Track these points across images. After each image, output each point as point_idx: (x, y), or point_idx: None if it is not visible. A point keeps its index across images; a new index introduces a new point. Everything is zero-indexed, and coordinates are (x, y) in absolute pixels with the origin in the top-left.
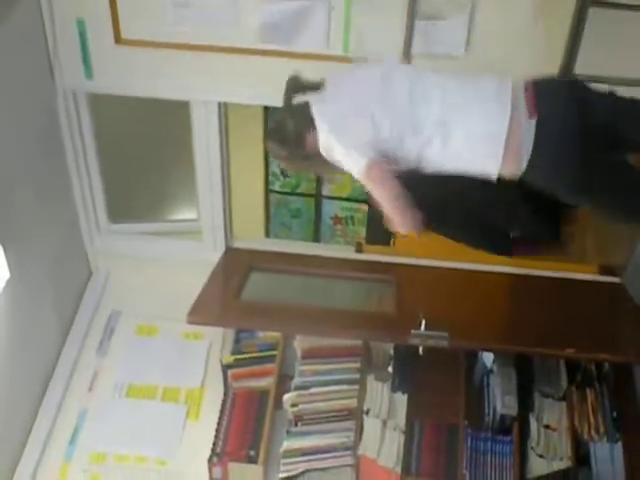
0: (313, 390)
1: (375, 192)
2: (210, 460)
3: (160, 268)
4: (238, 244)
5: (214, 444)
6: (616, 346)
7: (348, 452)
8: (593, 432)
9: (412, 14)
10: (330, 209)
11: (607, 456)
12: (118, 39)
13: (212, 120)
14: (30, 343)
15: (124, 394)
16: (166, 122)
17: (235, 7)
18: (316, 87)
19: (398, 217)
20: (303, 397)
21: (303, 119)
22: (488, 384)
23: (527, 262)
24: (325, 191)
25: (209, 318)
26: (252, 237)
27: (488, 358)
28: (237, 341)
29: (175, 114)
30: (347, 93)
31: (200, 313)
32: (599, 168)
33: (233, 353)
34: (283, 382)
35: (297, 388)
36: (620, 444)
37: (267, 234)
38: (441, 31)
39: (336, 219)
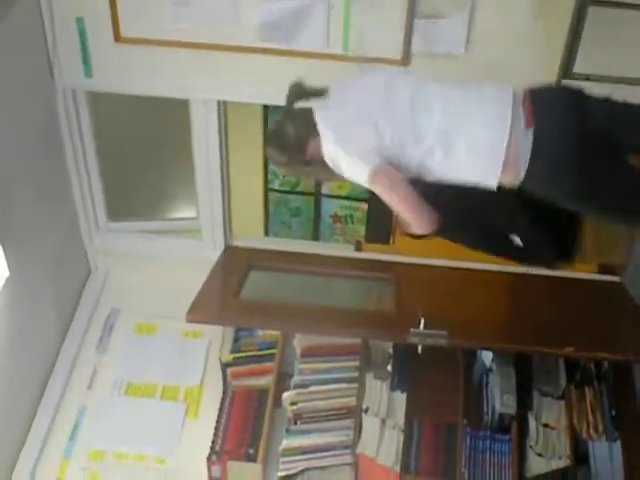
0: (312, 388)
1: (385, 197)
2: (209, 458)
3: (159, 266)
4: (237, 242)
5: (213, 442)
6: (615, 345)
7: (347, 450)
8: (592, 431)
9: (412, 13)
10: (329, 208)
11: (606, 455)
12: (118, 37)
13: (211, 118)
14: (29, 341)
15: (123, 392)
16: (166, 120)
17: (235, 5)
18: (319, 93)
19: (414, 218)
20: (302, 395)
21: (304, 125)
22: (487, 383)
23: None
24: (324, 190)
25: (208, 316)
26: (251, 235)
27: (487, 357)
28: (236, 339)
29: (175, 112)
30: (351, 101)
31: (199, 311)
32: (598, 174)
33: (232, 351)
34: (282, 380)
35: (296, 386)
36: (619, 443)
37: (266, 232)
38: (441, 30)
39: (335, 218)
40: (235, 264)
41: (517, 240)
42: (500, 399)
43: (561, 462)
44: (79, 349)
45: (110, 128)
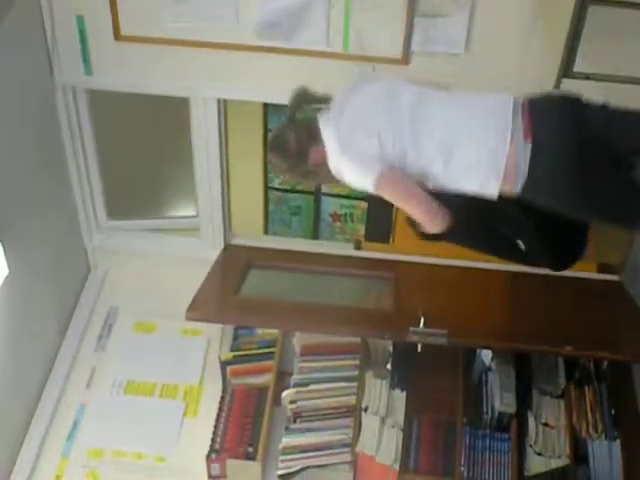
0: (312, 387)
1: (394, 201)
2: (208, 456)
3: (159, 265)
4: (237, 241)
5: (212, 440)
6: (615, 344)
7: (346, 449)
8: (591, 430)
9: (412, 11)
10: (329, 206)
11: (605, 454)
12: (117, 35)
13: (211, 117)
14: (29, 339)
15: (122, 391)
16: (165, 119)
17: (235, 4)
18: (323, 101)
19: (425, 216)
20: (302, 394)
21: (307, 134)
22: (486, 382)
23: None
24: (324, 188)
25: (208, 315)
26: (251, 234)
27: (486, 356)
28: (236, 338)
29: (174, 111)
30: (353, 110)
31: (199, 310)
32: (595, 183)
33: (232, 350)
34: (282, 379)
35: (296, 385)
36: (618, 442)
37: (266, 231)
38: (441, 29)
39: (335, 216)
40: (235, 262)
41: (521, 244)
42: (500, 398)
43: (560, 461)
44: (78, 347)
45: (110, 126)
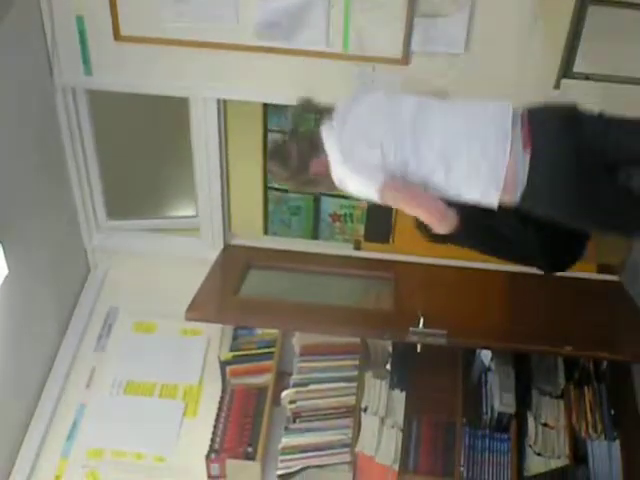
0: (311, 387)
1: (400, 205)
2: (208, 456)
3: (158, 265)
4: (236, 241)
5: (212, 440)
6: (614, 344)
7: (346, 449)
8: (591, 430)
9: (411, 11)
10: (329, 206)
11: (605, 454)
12: (117, 36)
13: (211, 117)
14: (28, 339)
15: (122, 391)
16: (165, 119)
17: (235, 4)
18: (325, 111)
19: (433, 217)
20: (301, 394)
21: (309, 145)
22: (486, 382)
23: None
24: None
25: (207, 315)
26: (250, 234)
27: (486, 356)
28: (235, 338)
29: (174, 111)
30: (355, 121)
31: (198, 310)
32: (593, 192)
33: (231, 350)
34: (281, 379)
35: (295, 385)
36: (618, 442)
37: (266, 231)
38: (441, 29)
39: (335, 216)
40: (234, 262)
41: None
42: (499, 398)
43: (560, 461)
44: (78, 347)
45: (110, 126)
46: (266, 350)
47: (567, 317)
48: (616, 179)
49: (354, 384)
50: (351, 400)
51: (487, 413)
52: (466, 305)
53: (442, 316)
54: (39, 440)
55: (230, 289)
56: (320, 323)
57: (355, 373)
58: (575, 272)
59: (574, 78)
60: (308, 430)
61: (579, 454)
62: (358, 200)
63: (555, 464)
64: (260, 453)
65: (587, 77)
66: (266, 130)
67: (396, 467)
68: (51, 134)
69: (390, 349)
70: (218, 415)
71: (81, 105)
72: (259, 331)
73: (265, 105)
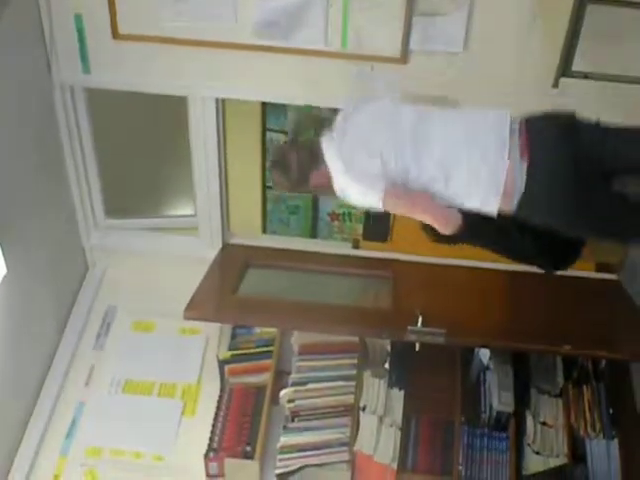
0: (310, 386)
1: (403, 211)
2: (206, 455)
3: (157, 264)
4: (235, 240)
5: (210, 440)
6: (613, 343)
7: (344, 448)
8: (589, 429)
9: (410, 10)
10: (327, 205)
11: (603, 453)
12: (116, 34)
13: (209, 116)
14: (27, 338)
15: (121, 390)
16: (163, 118)
17: (233, 3)
18: (326, 121)
19: (437, 220)
20: (300, 393)
21: (309, 155)
22: (484, 381)
23: None
24: None
25: (206, 314)
26: (249, 233)
27: (484, 355)
28: (234, 337)
29: (173, 110)
30: (356, 129)
31: (197, 309)
32: (590, 201)
33: (230, 349)
34: (280, 378)
35: (294, 384)
36: (616, 441)
37: (264, 230)
38: (439, 28)
39: (333, 215)
40: (233, 261)
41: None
42: (498, 397)
43: (558, 460)
44: (76, 346)
45: (108, 125)
46: (264, 349)
47: (566, 316)
48: (612, 187)
49: (352, 383)
50: (349, 399)
51: (486, 412)
52: (465, 304)
53: (440, 315)
54: (38, 438)
55: (229, 288)
56: (319, 322)
57: (353, 372)
58: (574, 271)
59: (573, 77)
60: (307, 429)
61: (578, 453)
62: None
63: (554, 463)
64: (259, 452)
65: (586, 76)
66: (265, 129)
67: (394, 466)
68: (49, 132)
69: (389, 348)
70: (216, 414)
71: (79, 103)
72: (258, 330)
73: (264, 104)
